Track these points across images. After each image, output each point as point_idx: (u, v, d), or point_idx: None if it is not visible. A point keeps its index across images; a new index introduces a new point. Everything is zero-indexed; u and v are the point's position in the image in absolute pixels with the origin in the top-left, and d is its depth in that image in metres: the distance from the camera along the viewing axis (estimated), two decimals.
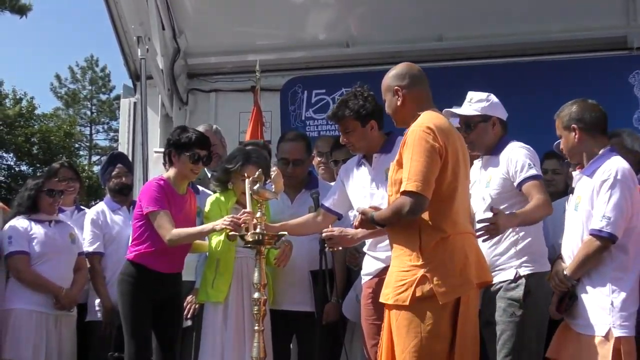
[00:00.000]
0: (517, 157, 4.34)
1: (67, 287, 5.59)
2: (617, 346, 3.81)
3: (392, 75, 4.20)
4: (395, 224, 4.00)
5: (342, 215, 4.82)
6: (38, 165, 28.50)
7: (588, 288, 4.00)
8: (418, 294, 3.80)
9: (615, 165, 3.98)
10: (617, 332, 3.84)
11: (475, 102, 4.62)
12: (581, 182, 4.16)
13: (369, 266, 4.76)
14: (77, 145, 36.90)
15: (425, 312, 3.84)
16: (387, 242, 4.24)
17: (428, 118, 3.97)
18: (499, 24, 7.51)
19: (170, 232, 4.78)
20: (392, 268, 4.03)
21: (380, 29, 7.92)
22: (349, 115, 4.63)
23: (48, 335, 5.48)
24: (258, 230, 4.34)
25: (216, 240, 4.84)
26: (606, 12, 7.36)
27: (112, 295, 5.59)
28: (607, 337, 3.85)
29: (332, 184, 5.34)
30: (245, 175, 4.70)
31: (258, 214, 4.40)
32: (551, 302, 4.19)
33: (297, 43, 8.30)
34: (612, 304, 3.89)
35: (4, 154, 30.88)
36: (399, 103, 4.13)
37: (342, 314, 5.13)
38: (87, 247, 5.84)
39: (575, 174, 4.25)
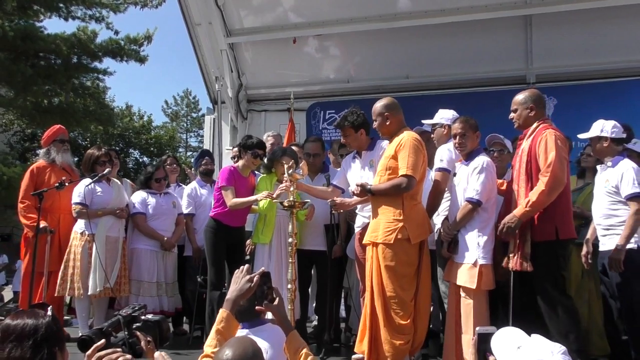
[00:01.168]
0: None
1: (169, 236, 5.59)
2: (480, 270, 3.95)
3: (381, 105, 4.31)
4: (391, 195, 4.08)
5: (344, 190, 4.82)
6: (153, 158, 28.57)
7: (464, 234, 4.09)
8: (399, 236, 3.98)
9: (483, 159, 4.10)
10: (481, 261, 3.96)
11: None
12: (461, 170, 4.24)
13: (358, 221, 4.80)
14: (177, 146, 36.98)
15: (402, 248, 4.00)
16: (370, 207, 4.34)
17: (412, 133, 4.14)
18: (445, 67, 7.43)
19: (231, 200, 4.90)
20: (379, 219, 4.14)
21: (369, 71, 7.87)
22: (347, 125, 4.67)
23: (158, 264, 5.50)
24: (291, 198, 4.38)
25: (262, 202, 4.87)
26: (511, 58, 7.29)
27: (199, 241, 5.64)
28: (475, 264, 3.97)
29: (338, 169, 5.37)
30: (283, 162, 4.74)
31: (292, 188, 4.44)
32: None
33: (316, 80, 8.24)
34: (478, 244, 3.99)
35: (132, 151, 30.99)
36: (387, 123, 4.25)
37: (345, 252, 5.15)
38: (185, 210, 5.86)
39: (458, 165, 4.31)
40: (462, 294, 4.01)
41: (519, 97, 4.13)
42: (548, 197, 3.76)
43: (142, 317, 2.12)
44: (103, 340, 1.90)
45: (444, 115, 4.66)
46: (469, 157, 4.17)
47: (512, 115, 4.14)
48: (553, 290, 3.85)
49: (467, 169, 4.12)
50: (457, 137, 4.20)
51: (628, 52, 6.76)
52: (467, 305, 3.99)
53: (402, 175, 4.01)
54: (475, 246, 3.99)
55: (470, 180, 4.06)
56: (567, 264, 4.29)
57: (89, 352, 1.84)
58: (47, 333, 1.81)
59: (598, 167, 4.49)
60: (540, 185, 3.76)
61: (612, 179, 4.20)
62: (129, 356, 1.80)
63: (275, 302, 2.45)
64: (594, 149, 4.45)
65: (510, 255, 3.90)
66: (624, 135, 4.43)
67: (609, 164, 4.28)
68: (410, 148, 4.05)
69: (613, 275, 4.16)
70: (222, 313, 2.33)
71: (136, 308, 2.17)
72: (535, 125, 4.01)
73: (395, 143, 4.15)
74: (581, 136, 4.51)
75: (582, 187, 5.10)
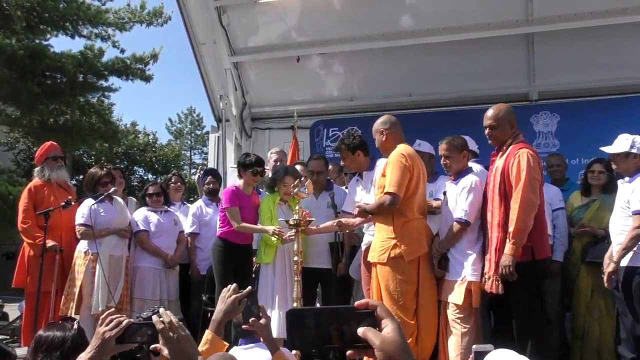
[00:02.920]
0: None
1: (171, 254, 5.55)
2: (468, 287, 3.94)
3: (380, 122, 4.33)
4: (379, 213, 4.07)
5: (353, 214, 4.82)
6: (158, 175, 28.63)
7: (454, 252, 4.07)
8: (392, 255, 3.98)
9: (471, 179, 4.09)
10: (469, 278, 3.95)
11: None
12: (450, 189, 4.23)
13: (365, 240, 4.80)
14: (182, 163, 37.05)
15: (397, 266, 4.01)
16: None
17: (402, 148, 4.12)
18: (448, 85, 7.40)
19: (238, 223, 4.94)
20: (375, 238, 4.20)
21: (371, 89, 7.86)
22: (343, 148, 4.72)
23: (160, 282, 5.45)
24: (296, 216, 4.38)
25: (274, 238, 4.87)
26: (513, 75, 7.29)
27: (205, 260, 5.60)
28: (463, 281, 3.96)
29: (343, 187, 5.38)
30: (285, 183, 4.76)
31: (297, 207, 4.44)
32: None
33: (319, 99, 8.25)
34: (467, 261, 3.99)
35: (137, 168, 31.05)
36: (384, 139, 4.24)
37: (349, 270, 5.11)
38: (188, 229, 5.81)
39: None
40: (452, 309, 3.97)
41: (491, 112, 4.07)
42: (525, 224, 3.74)
43: None
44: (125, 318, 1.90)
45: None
46: (457, 176, 4.18)
47: (487, 131, 4.09)
48: (530, 311, 3.79)
49: (456, 188, 4.11)
50: (442, 158, 4.25)
51: (630, 68, 6.75)
52: (454, 321, 3.94)
53: (385, 193, 4.03)
54: (464, 263, 3.98)
55: (458, 200, 4.06)
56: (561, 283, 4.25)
57: (104, 315, 1.87)
58: (74, 344, 2.05)
59: (619, 182, 4.41)
60: (514, 214, 3.74)
61: (626, 194, 4.14)
62: (131, 320, 1.84)
63: (262, 321, 2.44)
64: (618, 165, 4.30)
65: (486, 277, 3.86)
66: None
67: (627, 179, 4.22)
68: (394, 165, 4.07)
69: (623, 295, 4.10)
70: (207, 335, 2.31)
71: (155, 310, 2.17)
72: (509, 142, 3.97)
73: (387, 161, 4.19)
74: (606, 149, 4.35)
75: (588, 203, 5.05)
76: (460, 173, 4.17)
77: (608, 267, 4.11)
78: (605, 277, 4.18)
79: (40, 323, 5.08)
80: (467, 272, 3.95)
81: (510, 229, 3.74)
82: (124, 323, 1.80)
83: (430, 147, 4.88)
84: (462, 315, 3.91)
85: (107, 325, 1.79)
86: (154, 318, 1.75)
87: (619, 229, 4.17)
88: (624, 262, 4.00)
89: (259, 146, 8.15)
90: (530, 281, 3.80)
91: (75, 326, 2.17)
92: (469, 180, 4.07)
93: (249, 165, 5.10)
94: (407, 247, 3.98)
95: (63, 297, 5.14)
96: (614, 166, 4.42)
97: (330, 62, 7.93)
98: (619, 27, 6.51)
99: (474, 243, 4.04)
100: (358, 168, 4.85)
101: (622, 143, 4.24)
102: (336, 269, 5.01)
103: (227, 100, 7.72)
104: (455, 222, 4.04)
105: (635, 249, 3.96)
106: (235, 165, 6.72)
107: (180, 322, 1.72)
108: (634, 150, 4.19)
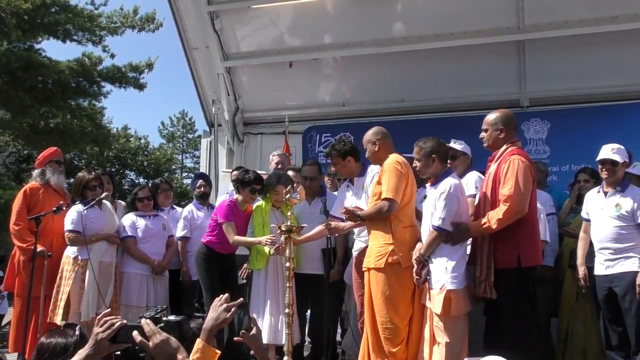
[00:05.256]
0: None
1: (160, 260, 5.45)
2: (447, 295, 3.78)
3: (370, 133, 4.37)
4: (376, 219, 4.06)
5: (343, 220, 4.75)
6: (149, 179, 28.49)
7: (434, 260, 3.93)
8: (389, 260, 3.95)
9: (449, 183, 3.96)
10: (448, 286, 3.80)
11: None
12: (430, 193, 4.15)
13: (356, 246, 4.78)
14: (174, 167, 36.93)
15: (394, 272, 3.98)
16: (366, 231, 4.32)
17: (396, 156, 4.15)
18: (440, 91, 7.44)
19: (233, 237, 4.95)
20: (371, 244, 4.15)
21: (364, 95, 7.88)
22: (334, 154, 4.72)
23: (147, 288, 5.35)
24: (289, 222, 4.36)
25: (267, 248, 4.85)
26: (505, 82, 7.33)
27: (191, 266, 5.56)
28: (441, 289, 3.81)
29: (335, 192, 5.37)
30: (277, 191, 4.84)
31: (289, 213, 4.43)
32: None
33: (312, 104, 8.26)
34: (446, 269, 3.85)
35: (128, 172, 30.91)
36: (376, 149, 4.27)
37: (342, 276, 5.09)
38: (179, 233, 5.75)
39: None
40: (435, 318, 3.89)
41: (490, 117, 4.04)
42: (500, 225, 3.73)
43: (164, 319, 2.14)
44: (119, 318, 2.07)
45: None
46: (436, 180, 4.05)
47: (482, 134, 4.07)
48: (517, 319, 3.76)
49: (435, 192, 4.00)
50: (414, 161, 4.17)
51: (621, 76, 6.82)
52: (437, 328, 3.87)
53: (383, 199, 4.01)
54: (443, 271, 3.85)
55: (437, 205, 3.93)
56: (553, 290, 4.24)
57: (99, 316, 2.05)
58: (76, 351, 2.07)
59: (592, 190, 4.51)
60: (499, 213, 3.72)
61: (625, 204, 4.21)
62: (125, 321, 2.02)
63: (253, 332, 2.42)
64: (615, 174, 4.35)
65: (477, 282, 3.83)
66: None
67: (618, 188, 4.30)
68: (390, 172, 4.05)
69: (628, 299, 4.15)
70: (197, 344, 2.29)
71: (158, 310, 2.23)
72: (503, 148, 3.94)
73: (381, 169, 4.18)
74: (609, 157, 4.36)
75: (577, 209, 5.13)
76: (439, 177, 4.06)
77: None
78: (582, 282, 4.49)
79: (30, 328, 5.04)
80: (446, 279, 3.83)
81: (490, 221, 3.74)
82: (117, 325, 1.98)
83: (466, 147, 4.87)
84: (443, 324, 3.81)
85: (101, 326, 1.98)
86: (142, 321, 1.99)
87: (610, 236, 4.27)
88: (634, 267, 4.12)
89: (251, 151, 8.16)
90: (514, 288, 3.76)
91: (77, 332, 2.23)
92: (445, 185, 3.94)
93: (248, 182, 5.07)
94: (404, 254, 3.96)
95: (52, 303, 5.06)
96: (604, 175, 4.43)
97: (322, 67, 7.92)
98: (609, 35, 6.57)
99: (454, 249, 3.92)
100: (349, 174, 4.85)
101: (616, 153, 4.32)
102: (328, 275, 4.97)
103: (220, 105, 7.71)
104: (431, 230, 3.94)
105: None
106: (228, 170, 6.73)
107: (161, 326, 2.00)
108: (625, 160, 4.31)
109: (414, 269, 3.97)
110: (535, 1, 6.70)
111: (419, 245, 4.04)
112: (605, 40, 6.63)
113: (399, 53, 7.28)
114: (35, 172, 5.68)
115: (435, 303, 3.84)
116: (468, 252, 4.05)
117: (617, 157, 4.33)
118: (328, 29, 7.40)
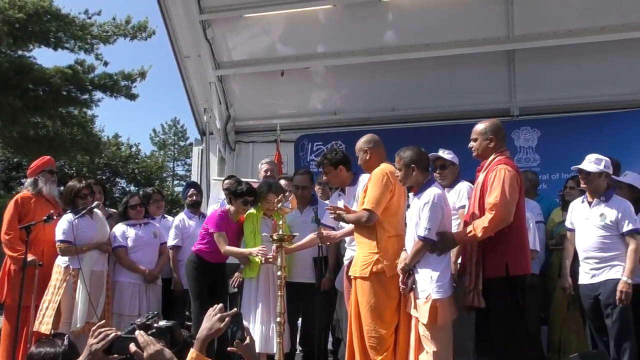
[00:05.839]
0: None
1: (152, 268, 5.44)
2: (433, 304, 3.78)
3: (362, 141, 4.38)
4: (356, 225, 4.17)
5: (334, 228, 4.83)
6: (140, 187, 28.37)
7: (419, 270, 3.92)
8: (374, 270, 3.98)
9: (432, 192, 3.94)
10: (434, 295, 3.80)
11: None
12: (414, 203, 4.12)
13: (348, 254, 4.80)
14: (165, 175, 36.86)
15: (379, 281, 4.01)
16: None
17: (385, 166, 4.17)
18: (431, 100, 7.48)
19: (225, 247, 4.95)
20: (357, 253, 4.20)
21: (355, 104, 7.91)
22: (326, 163, 4.76)
23: (140, 297, 5.34)
24: (280, 231, 4.37)
25: (258, 258, 4.85)
26: (495, 91, 7.39)
27: (182, 275, 5.54)
28: (427, 298, 3.81)
29: (326, 201, 5.38)
30: (268, 199, 4.84)
31: (280, 222, 4.43)
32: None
33: (304, 112, 8.28)
34: (431, 278, 3.84)
35: (119, 180, 30.81)
36: (367, 157, 4.29)
37: (334, 284, 5.10)
38: (171, 242, 5.72)
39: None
40: (421, 327, 3.88)
41: (479, 127, 4.05)
42: (485, 234, 3.74)
43: (155, 325, 2.15)
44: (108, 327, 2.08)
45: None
46: (418, 190, 4.04)
47: (471, 144, 4.08)
48: (507, 327, 3.76)
49: (419, 202, 3.98)
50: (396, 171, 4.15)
51: (609, 85, 6.88)
52: (424, 337, 3.87)
53: (363, 209, 4.05)
54: (428, 281, 3.85)
55: (421, 215, 3.91)
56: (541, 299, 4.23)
57: (94, 327, 2.05)
58: None
59: (576, 200, 4.56)
60: (484, 221, 3.73)
61: (609, 214, 4.24)
62: (119, 332, 2.02)
63: (246, 342, 2.42)
64: (591, 184, 4.36)
65: (466, 291, 3.83)
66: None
67: (602, 198, 4.33)
68: (375, 182, 4.09)
69: (610, 305, 4.17)
70: (191, 353, 2.29)
71: (149, 317, 2.22)
72: (491, 157, 3.95)
73: (369, 177, 4.21)
74: (582, 167, 4.40)
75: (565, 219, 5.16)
76: (422, 186, 4.04)
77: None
78: (567, 291, 4.56)
79: (21, 338, 5.00)
80: (431, 289, 3.82)
81: (476, 229, 3.75)
82: (111, 336, 1.98)
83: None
84: (430, 333, 3.81)
85: (95, 337, 1.98)
86: (136, 332, 1.98)
87: (595, 245, 4.30)
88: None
89: (243, 159, 8.16)
90: (503, 297, 3.77)
91: (66, 342, 2.25)
92: (429, 195, 3.92)
93: (240, 194, 5.08)
94: (389, 263, 3.98)
95: (39, 312, 5.00)
96: (582, 185, 4.48)
97: (314, 76, 7.96)
98: (597, 45, 6.64)
99: (440, 258, 3.92)
100: (341, 183, 4.88)
101: (593, 163, 4.35)
102: (320, 283, 4.98)
103: (211, 113, 7.71)
104: (417, 240, 3.92)
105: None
106: (220, 179, 6.73)
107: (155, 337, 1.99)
108: (607, 170, 4.32)
109: (400, 279, 3.97)
110: (525, 12, 6.76)
111: (403, 254, 4.03)
112: (594, 50, 6.70)
113: (390, 62, 7.32)
114: (27, 181, 5.66)
115: (421, 312, 3.83)
116: (453, 260, 4.07)
117: (591, 167, 4.33)
118: (320, 38, 7.44)
